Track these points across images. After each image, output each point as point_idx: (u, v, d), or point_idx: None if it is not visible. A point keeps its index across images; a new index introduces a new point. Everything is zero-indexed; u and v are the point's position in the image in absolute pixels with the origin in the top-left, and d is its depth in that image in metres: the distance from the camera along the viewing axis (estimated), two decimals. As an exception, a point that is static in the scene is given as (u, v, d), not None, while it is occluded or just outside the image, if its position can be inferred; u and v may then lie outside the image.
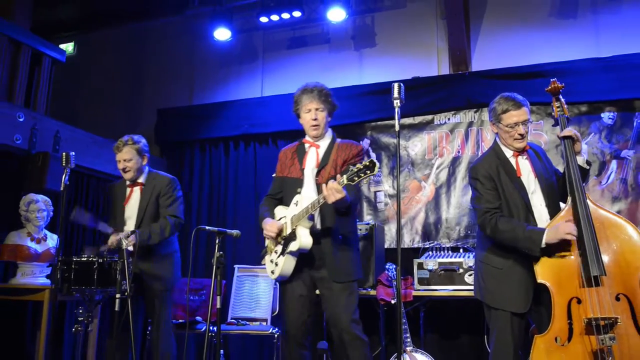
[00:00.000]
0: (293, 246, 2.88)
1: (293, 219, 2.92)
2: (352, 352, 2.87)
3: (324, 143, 3.16)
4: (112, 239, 3.55)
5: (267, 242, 3.17)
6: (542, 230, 2.65)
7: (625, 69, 4.60)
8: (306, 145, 3.19)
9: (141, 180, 3.82)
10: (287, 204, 3.08)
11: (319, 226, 2.97)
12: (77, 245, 5.04)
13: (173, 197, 3.81)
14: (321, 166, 3.06)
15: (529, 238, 2.66)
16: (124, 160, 3.74)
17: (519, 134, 2.87)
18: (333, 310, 2.93)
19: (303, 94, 3.16)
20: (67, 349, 4.69)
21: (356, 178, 2.48)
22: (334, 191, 2.62)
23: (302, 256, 2.94)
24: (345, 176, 2.55)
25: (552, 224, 2.70)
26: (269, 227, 3.01)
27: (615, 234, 2.67)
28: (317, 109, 3.10)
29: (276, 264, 3.01)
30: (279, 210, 3.15)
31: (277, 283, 4.92)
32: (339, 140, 3.17)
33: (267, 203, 3.25)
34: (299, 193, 3.02)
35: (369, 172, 2.46)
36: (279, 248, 3.02)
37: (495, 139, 3.04)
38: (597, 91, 4.66)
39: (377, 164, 2.44)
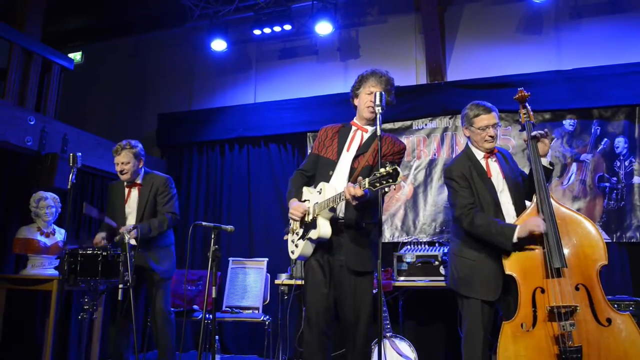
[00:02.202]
0: (313, 234, 2.68)
1: (316, 207, 2.69)
2: (358, 348, 2.70)
3: (371, 130, 2.87)
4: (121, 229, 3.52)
5: (291, 221, 2.91)
6: (514, 227, 2.66)
7: (584, 80, 4.65)
8: (353, 128, 2.90)
9: (138, 181, 3.81)
10: (317, 184, 2.82)
11: (340, 215, 2.72)
12: (84, 239, 4.98)
13: (169, 195, 3.82)
14: (361, 152, 2.79)
15: (501, 233, 2.67)
16: (122, 163, 3.72)
17: (489, 136, 2.90)
18: (350, 302, 2.68)
19: (372, 75, 2.84)
20: (73, 335, 4.64)
21: (377, 184, 2.28)
22: (352, 198, 2.44)
23: (321, 243, 2.73)
24: (367, 180, 2.34)
25: (519, 221, 2.72)
26: (293, 210, 2.77)
27: (576, 230, 2.70)
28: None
29: (296, 245, 2.82)
30: (305, 192, 2.90)
31: (268, 274, 4.97)
32: (384, 133, 2.77)
33: (295, 180, 2.97)
34: (330, 176, 2.78)
35: (391, 180, 2.24)
36: (300, 231, 2.80)
37: (467, 143, 3.06)
38: (559, 100, 4.70)
39: (401, 174, 2.23)
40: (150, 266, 3.63)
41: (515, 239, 2.64)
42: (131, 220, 3.72)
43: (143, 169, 3.87)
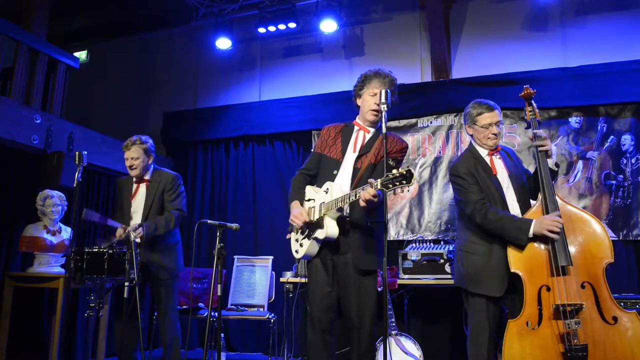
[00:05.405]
0: (319, 234, 2.65)
1: (322, 206, 2.65)
2: (363, 346, 2.67)
3: (373, 130, 2.85)
4: (120, 231, 3.53)
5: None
6: (530, 221, 2.63)
7: (590, 77, 4.63)
8: (355, 128, 2.87)
9: (147, 177, 3.79)
10: (321, 183, 2.78)
11: (347, 215, 2.70)
12: (89, 237, 5.00)
13: (177, 192, 3.79)
14: (363, 152, 2.78)
15: (518, 228, 2.64)
16: (132, 159, 3.72)
17: (493, 134, 2.89)
18: (354, 301, 2.66)
19: (376, 76, 2.80)
20: (80, 332, 4.67)
21: (390, 185, 2.25)
22: (366, 203, 2.41)
23: (327, 242, 2.70)
24: (379, 181, 2.31)
25: (530, 215, 2.70)
26: (295, 218, 2.74)
27: (582, 228, 2.68)
28: None
29: (301, 245, 2.78)
30: (309, 191, 2.84)
31: (273, 272, 4.98)
32: (388, 132, 2.68)
33: (297, 181, 2.93)
34: (335, 175, 2.76)
35: (405, 182, 2.21)
36: (305, 231, 2.77)
37: (470, 142, 3.05)
38: (565, 98, 4.68)
39: (414, 175, 2.21)
40: (154, 265, 3.62)
41: (531, 234, 2.61)
42: (137, 217, 3.70)
43: (152, 166, 3.85)
